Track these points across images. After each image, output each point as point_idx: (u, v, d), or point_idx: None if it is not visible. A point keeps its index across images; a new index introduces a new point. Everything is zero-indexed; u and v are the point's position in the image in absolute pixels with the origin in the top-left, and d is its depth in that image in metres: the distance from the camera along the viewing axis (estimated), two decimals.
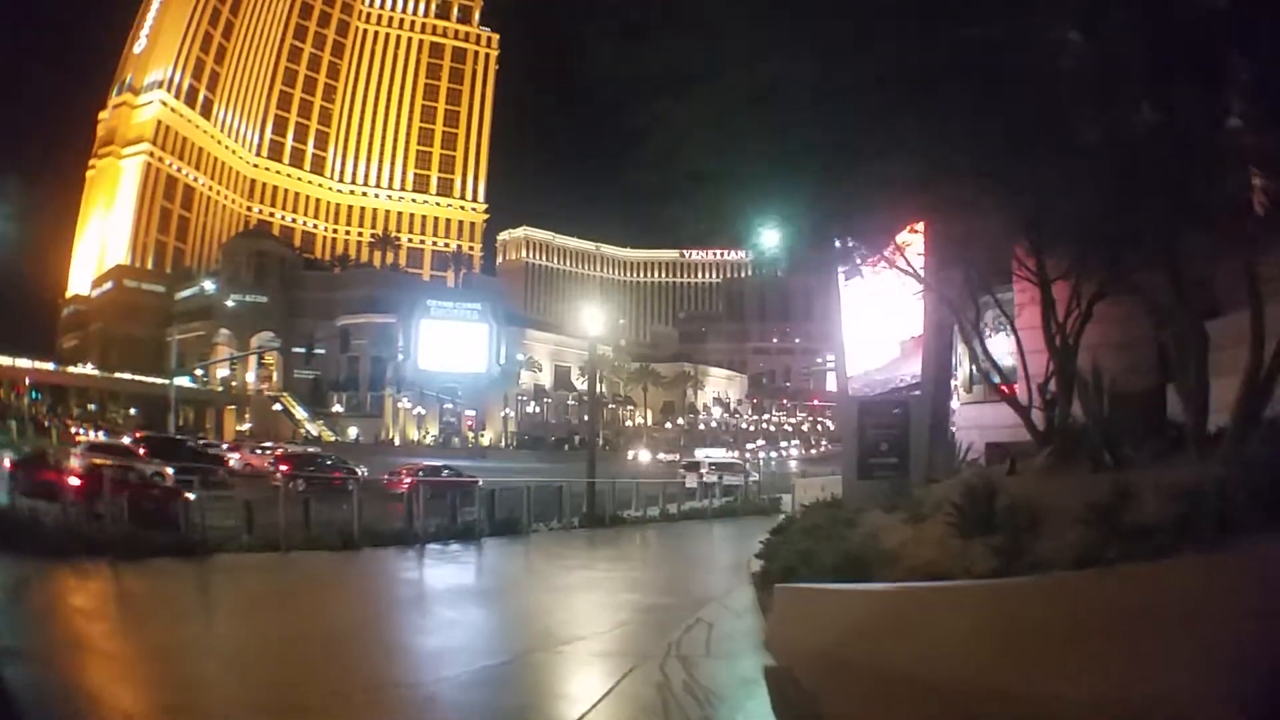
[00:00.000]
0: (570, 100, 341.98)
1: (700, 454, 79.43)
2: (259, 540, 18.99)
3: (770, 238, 20.29)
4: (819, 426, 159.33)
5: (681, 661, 9.96)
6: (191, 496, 22.02)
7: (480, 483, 29.69)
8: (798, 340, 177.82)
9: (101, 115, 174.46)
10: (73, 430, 63.12)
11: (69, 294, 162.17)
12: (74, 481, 21.42)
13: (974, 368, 26.00)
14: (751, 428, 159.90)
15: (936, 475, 19.04)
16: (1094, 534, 6.71)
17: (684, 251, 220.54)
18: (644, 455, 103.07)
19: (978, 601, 5.48)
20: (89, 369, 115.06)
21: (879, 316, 23.34)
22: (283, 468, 37.64)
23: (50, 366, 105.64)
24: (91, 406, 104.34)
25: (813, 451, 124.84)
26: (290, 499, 21.29)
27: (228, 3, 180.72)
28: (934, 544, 9.27)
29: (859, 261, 21.42)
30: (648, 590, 16.70)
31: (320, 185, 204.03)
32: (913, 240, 20.35)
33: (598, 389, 41.62)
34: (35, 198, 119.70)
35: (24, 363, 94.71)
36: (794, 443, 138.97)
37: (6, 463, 24.08)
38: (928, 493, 14.93)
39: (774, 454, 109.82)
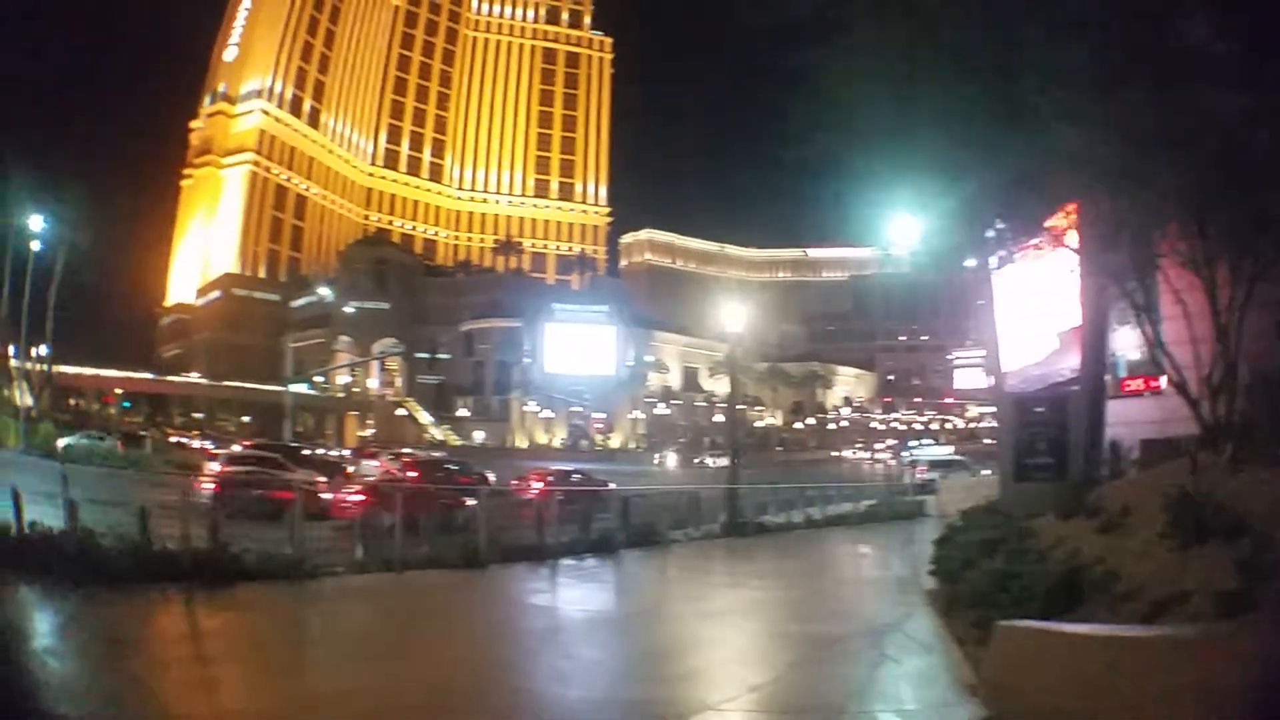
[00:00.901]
0: (692, 99, 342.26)
1: (925, 452, 76.74)
2: (372, 559, 17.12)
3: (911, 228, 19.26)
4: (947, 425, 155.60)
5: (881, 718, 8.85)
6: (472, 502, 21.07)
7: (613, 487, 28.98)
8: (925, 337, 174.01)
9: (193, 125, 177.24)
10: (173, 439, 63.21)
11: (168, 303, 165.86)
12: (356, 498, 21.24)
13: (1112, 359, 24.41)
14: (882, 427, 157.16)
15: (1098, 476, 17.75)
16: None
17: (807, 250, 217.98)
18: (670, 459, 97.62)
19: None
20: (194, 377, 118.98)
21: (1033, 308, 22.05)
22: (410, 474, 36.48)
23: (148, 375, 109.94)
24: (197, 415, 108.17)
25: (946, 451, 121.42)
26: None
27: (326, 12, 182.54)
28: (1139, 557, 8.27)
29: (1012, 248, 20.28)
30: (812, 615, 15.09)
31: (439, 193, 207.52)
32: (1065, 225, 19.13)
33: (730, 390, 40.83)
34: (122, 207, 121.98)
35: (111, 372, 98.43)
36: (924, 441, 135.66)
37: (209, 485, 20.71)
38: (1103, 497, 13.81)
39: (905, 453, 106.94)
